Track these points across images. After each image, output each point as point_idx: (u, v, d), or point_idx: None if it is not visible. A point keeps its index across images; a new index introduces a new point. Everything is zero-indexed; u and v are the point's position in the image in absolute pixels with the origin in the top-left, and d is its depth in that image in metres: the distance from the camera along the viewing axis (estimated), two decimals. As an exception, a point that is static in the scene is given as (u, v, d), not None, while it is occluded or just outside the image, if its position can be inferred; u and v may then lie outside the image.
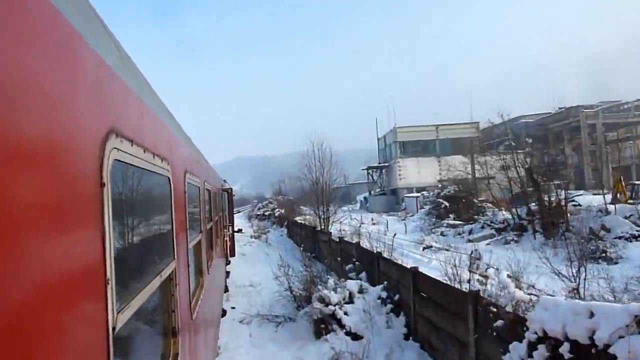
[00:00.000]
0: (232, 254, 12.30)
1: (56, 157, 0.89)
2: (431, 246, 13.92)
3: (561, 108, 31.71)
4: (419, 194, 30.74)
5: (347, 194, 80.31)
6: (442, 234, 17.35)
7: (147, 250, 1.71)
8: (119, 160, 1.23)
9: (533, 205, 14.74)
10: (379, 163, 43.12)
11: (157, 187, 1.88)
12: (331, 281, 6.85)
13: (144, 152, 1.50)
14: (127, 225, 1.40)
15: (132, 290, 1.34)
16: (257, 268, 11.94)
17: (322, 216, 18.40)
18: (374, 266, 7.21)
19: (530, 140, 19.66)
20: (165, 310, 1.99)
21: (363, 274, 7.60)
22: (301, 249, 14.69)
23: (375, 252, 8.02)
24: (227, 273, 11.01)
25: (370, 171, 43.67)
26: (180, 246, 2.30)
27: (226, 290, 9.54)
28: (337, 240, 10.45)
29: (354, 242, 9.57)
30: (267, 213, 31.45)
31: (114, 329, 1.10)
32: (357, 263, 8.18)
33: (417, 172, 37.89)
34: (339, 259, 9.71)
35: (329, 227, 17.60)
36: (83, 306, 0.98)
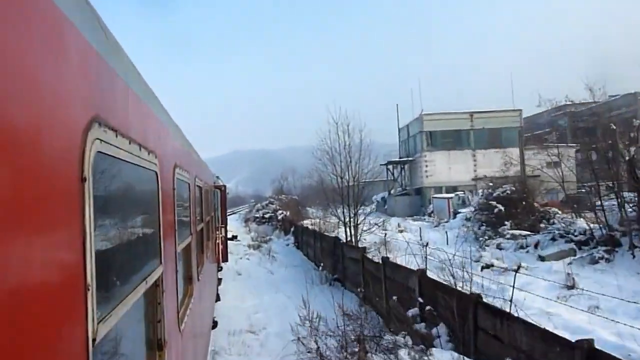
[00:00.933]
0: (225, 259, 12.25)
1: (31, 148, 0.87)
2: (491, 265, 11.59)
3: (613, 96, 28.56)
4: (451, 195, 28.62)
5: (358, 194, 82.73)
6: (498, 246, 14.65)
7: (132, 253, 1.71)
8: (102, 153, 1.22)
9: (630, 211, 12.11)
10: (400, 157, 40.20)
11: (144, 183, 1.88)
12: (404, 355, 4.51)
13: (130, 143, 1.49)
14: (110, 225, 1.40)
15: (114, 297, 1.34)
16: (258, 295, 10.23)
17: (349, 223, 15.55)
18: (464, 317, 4.70)
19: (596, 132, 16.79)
20: (151, 320, 1.99)
21: (442, 328, 5.10)
22: (320, 268, 12.70)
23: (468, 292, 5.30)
24: (219, 280, 10.90)
25: (389, 167, 40.83)
26: (168, 249, 2.31)
27: (218, 299, 9.34)
28: (379, 261, 8.19)
29: (413, 269, 6.94)
30: (267, 215, 30.77)
31: (94, 340, 1.09)
32: (427, 308, 5.62)
33: (447, 169, 35.12)
34: (382, 288, 7.46)
35: (358, 237, 15.17)
36: (60, 315, 0.97)
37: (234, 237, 21.93)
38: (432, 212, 29.92)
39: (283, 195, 38.96)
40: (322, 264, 12.98)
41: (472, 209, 19.75)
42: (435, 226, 23.52)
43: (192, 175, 3.97)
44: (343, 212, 15.87)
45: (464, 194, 28.88)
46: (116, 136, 1.34)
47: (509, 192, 17.93)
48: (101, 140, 1.20)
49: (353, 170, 16.14)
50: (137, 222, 1.78)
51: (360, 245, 12.83)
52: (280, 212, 28.86)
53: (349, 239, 15.02)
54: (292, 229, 21.88)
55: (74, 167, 1.06)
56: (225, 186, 13.21)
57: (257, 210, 34.50)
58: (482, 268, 11.31)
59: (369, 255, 9.72)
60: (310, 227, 18.82)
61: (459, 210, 23.64)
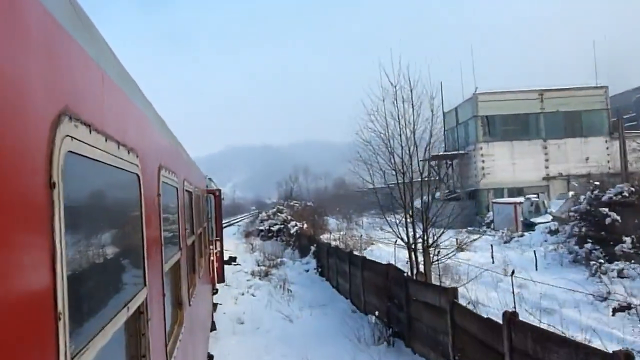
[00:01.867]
0: (221, 279, 12.11)
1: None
2: (629, 306, 8.93)
3: None
4: (519, 199, 24.99)
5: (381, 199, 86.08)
6: (620, 274, 12.24)
7: (111, 274, 1.72)
8: (73, 152, 1.20)
9: None
10: (446, 151, 36.43)
11: (124, 189, 1.89)
12: None
13: (106, 140, 1.49)
14: (85, 241, 1.39)
15: (90, 327, 1.34)
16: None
17: (415, 242, 11.85)
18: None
19: None
20: (134, 355, 1.98)
21: None
22: (366, 313, 10.31)
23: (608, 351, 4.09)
24: (215, 306, 10.91)
25: (431, 164, 39.92)
26: (154, 269, 2.32)
27: (213, 328, 9.34)
28: (488, 316, 6.08)
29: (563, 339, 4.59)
30: (275, 227, 30.62)
31: (67, 380, 1.09)
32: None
33: (511, 164, 31.14)
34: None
35: (430, 264, 11.72)
36: (26, 349, 0.95)
37: (232, 260, 20.79)
38: (492, 222, 27.19)
39: (294, 202, 38.40)
40: (371, 310, 10.14)
41: (552, 219, 17.71)
42: (506, 242, 21.08)
43: (180, 177, 4.01)
44: (407, 228, 11.92)
45: (538, 197, 25.01)
46: (90, 132, 1.32)
47: (626, 194, 14.80)
48: (72, 137, 1.19)
49: (419, 159, 12.29)
50: (116, 236, 1.78)
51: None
52: (293, 223, 28.31)
53: (416, 269, 11.66)
54: (312, 248, 19.76)
55: (41, 171, 1.03)
56: (219, 191, 13.22)
57: (262, 222, 34.06)
58: (614, 311, 9.14)
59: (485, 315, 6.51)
60: (339, 245, 18.44)
61: (534, 221, 21.19)
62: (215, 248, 11.02)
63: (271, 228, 31.09)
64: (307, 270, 18.77)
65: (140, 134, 2.17)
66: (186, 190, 4.67)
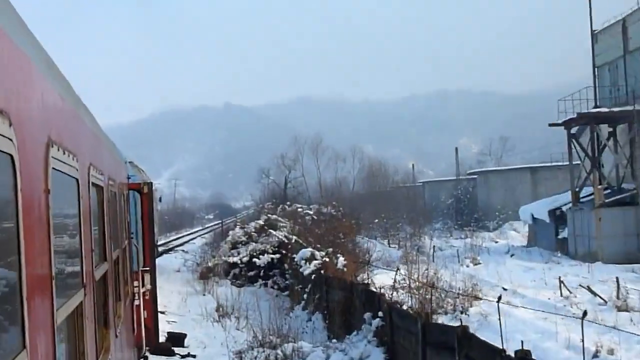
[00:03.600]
0: (154, 339, 13.03)
1: None
2: None
3: None
4: None
5: (432, 200, 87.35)
6: None
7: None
8: None
9: None
10: (597, 106, 38.16)
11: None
12: None
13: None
14: None
15: None
16: None
17: None
18: None
19: None
20: None
21: None
22: None
23: None
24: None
25: (573, 135, 40.08)
26: (38, 321, 2.52)
27: None
28: None
29: None
30: (262, 259, 32.09)
31: None
32: None
33: None
34: None
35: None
36: None
37: (175, 340, 18.56)
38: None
39: (297, 206, 40.49)
40: None
41: None
42: None
43: (84, 162, 4.45)
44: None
45: None
46: None
47: None
48: None
49: None
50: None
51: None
52: (305, 253, 27.45)
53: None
54: (366, 318, 18.07)
55: None
56: (150, 185, 14.19)
57: (234, 247, 34.99)
58: None
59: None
60: (405, 301, 19.47)
61: None
62: (143, 285, 11.83)
63: (255, 261, 31.93)
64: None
65: (14, 88, 2.36)
66: (94, 185, 5.10)
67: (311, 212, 37.01)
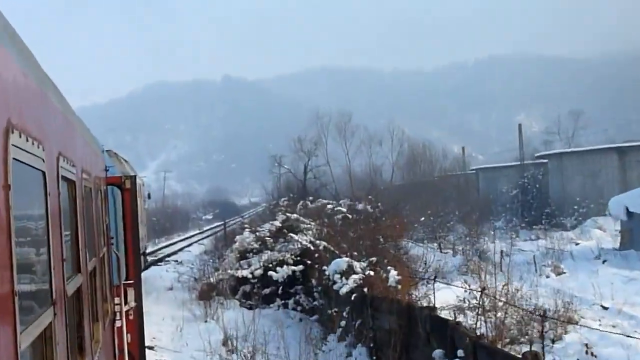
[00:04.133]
0: None
1: None
2: None
3: None
4: None
5: (489, 191, 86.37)
6: None
7: None
8: None
9: None
10: None
11: None
12: None
13: None
14: None
15: None
16: None
17: None
18: None
19: None
20: None
21: None
22: None
23: None
24: None
25: None
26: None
27: None
28: None
29: None
30: (280, 273, 32.09)
31: None
32: None
33: None
34: None
35: None
36: None
37: None
38: None
39: (324, 203, 40.99)
40: None
41: None
42: None
43: (51, 151, 5.05)
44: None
45: None
46: None
47: None
48: None
49: None
50: None
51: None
52: (341, 264, 26.75)
53: None
54: None
55: None
56: (134, 177, 15.09)
57: (243, 257, 34.95)
58: None
59: None
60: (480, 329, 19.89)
61: None
62: (126, 302, 12.71)
63: (271, 274, 31.83)
64: None
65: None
66: (65, 179, 5.69)
67: (344, 210, 36.47)
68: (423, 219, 59.04)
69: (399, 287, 24.52)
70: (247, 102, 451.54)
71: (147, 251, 51.27)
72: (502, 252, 44.68)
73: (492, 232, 61.44)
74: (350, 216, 35.76)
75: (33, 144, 4.14)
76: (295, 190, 60.28)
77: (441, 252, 50.50)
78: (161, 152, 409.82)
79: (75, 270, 6.28)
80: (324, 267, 27.98)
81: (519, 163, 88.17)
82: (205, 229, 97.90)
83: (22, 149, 3.80)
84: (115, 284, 11.76)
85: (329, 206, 38.67)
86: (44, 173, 4.54)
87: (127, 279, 12.84)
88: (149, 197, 54.33)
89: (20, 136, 3.70)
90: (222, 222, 70.66)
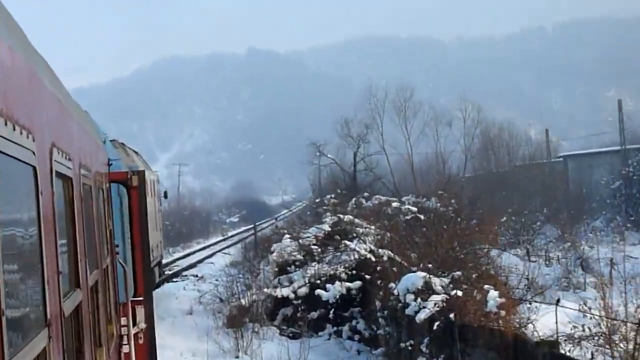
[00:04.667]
0: None
1: None
2: None
3: None
4: None
5: (582, 183, 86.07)
6: None
7: None
8: None
9: None
10: None
11: None
12: None
13: None
14: None
15: None
16: None
17: None
18: None
19: None
20: None
21: None
22: None
23: None
24: None
25: None
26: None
27: None
28: None
29: None
30: (326, 293, 32.14)
31: None
32: None
33: None
34: None
35: None
36: None
37: None
38: None
39: (387, 200, 42.18)
40: None
41: None
42: None
43: (43, 142, 5.17)
44: None
45: None
46: None
47: None
48: None
49: None
50: None
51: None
52: (420, 280, 26.39)
53: None
54: None
55: None
56: (143, 173, 15.44)
57: (285, 270, 35.11)
58: None
59: None
60: None
61: None
62: (135, 323, 12.99)
63: (319, 293, 31.52)
64: None
65: None
66: (59, 175, 5.94)
67: (414, 209, 36.08)
68: (504, 219, 58.15)
69: (502, 312, 23.76)
70: (278, 80, 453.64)
71: (165, 262, 51.72)
72: (611, 260, 43.61)
73: (591, 235, 60.33)
74: (422, 217, 35.28)
75: (21, 133, 4.27)
76: (342, 185, 60.42)
77: (529, 260, 49.58)
78: (174, 141, 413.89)
79: (74, 285, 6.41)
80: (391, 285, 27.58)
81: (619, 148, 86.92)
82: (230, 234, 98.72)
83: (8, 140, 3.90)
84: (122, 302, 12.05)
85: (394, 204, 38.07)
86: (34, 168, 4.62)
87: (135, 296, 13.13)
88: (166, 196, 54.65)
89: (5, 124, 3.82)
90: (252, 226, 70.51)
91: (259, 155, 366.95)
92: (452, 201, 39.36)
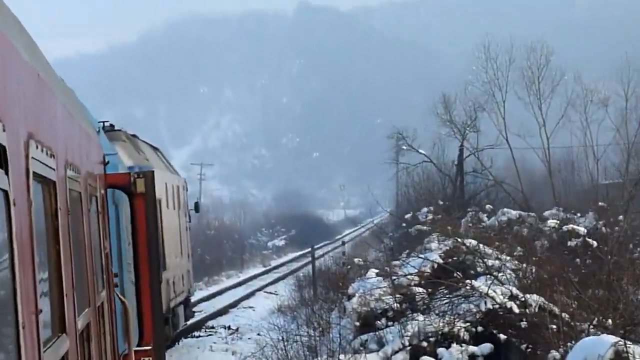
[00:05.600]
0: None
1: None
2: None
3: None
4: None
5: None
6: None
7: None
8: None
9: None
10: None
11: None
12: None
13: None
14: None
15: None
16: None
17: None
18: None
19: None
20: None
21: None
22: None
23: None
24: None
25: None
26: None
27: None
28: None
29: None
30: None
31: None
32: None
33: None
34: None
35: None
36: None
37: None
38: None
39: (522, 216, 43.80)
40: None
41: None
42: None
43: (16, 132, 5.52)
44: None
45: None
46: None
47: None
48: None
49: None
50: None
51: None
52: (609, 348, 26.44)
53: None
54: None
55: None
56: (151, 174, 16.54)
57: (370, 324, 36.82)
58: None
59: None
60: None
61: None
62: None
63: None
64: None
65: None
66: (38, 178, 6.43)
67: (582, 230, 35.19)
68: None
69: None
70: (339, 48, 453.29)
71: (193, 300, 52.51)
72: None
73: None
74: (593, 243, 33.49)
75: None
76: (443, 194, 58.70)
77: None
78: (194, 133, 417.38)
79: (57, 329, 6.50)
80: (553, 354, 27.02)
81: None
82: (274, 263, 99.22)
83: None
84: (122, 352, 12.42)
85: (553, 222, 36.33)
86: (5, 168, 4.65)
87: (141, 344, 13.69)
88: (197, 209, 54.38)
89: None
90: (308, 250, 69.41)
91: (312, 153, 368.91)
92: (612, 219, 37.68)
